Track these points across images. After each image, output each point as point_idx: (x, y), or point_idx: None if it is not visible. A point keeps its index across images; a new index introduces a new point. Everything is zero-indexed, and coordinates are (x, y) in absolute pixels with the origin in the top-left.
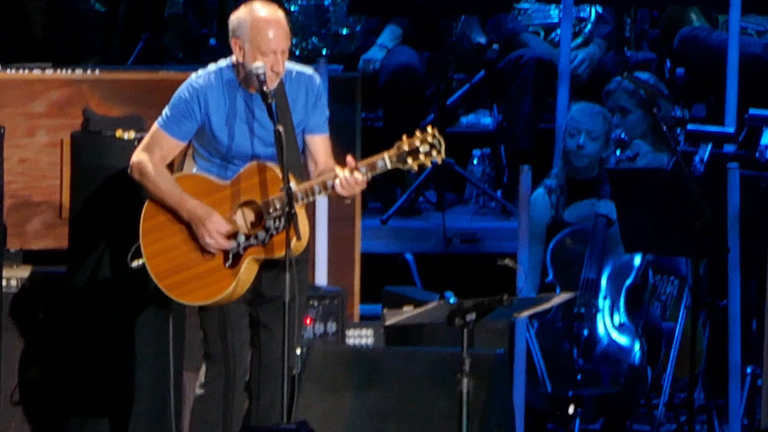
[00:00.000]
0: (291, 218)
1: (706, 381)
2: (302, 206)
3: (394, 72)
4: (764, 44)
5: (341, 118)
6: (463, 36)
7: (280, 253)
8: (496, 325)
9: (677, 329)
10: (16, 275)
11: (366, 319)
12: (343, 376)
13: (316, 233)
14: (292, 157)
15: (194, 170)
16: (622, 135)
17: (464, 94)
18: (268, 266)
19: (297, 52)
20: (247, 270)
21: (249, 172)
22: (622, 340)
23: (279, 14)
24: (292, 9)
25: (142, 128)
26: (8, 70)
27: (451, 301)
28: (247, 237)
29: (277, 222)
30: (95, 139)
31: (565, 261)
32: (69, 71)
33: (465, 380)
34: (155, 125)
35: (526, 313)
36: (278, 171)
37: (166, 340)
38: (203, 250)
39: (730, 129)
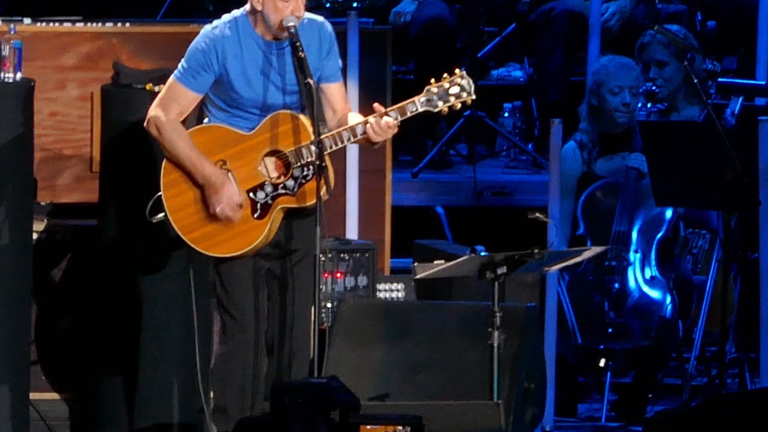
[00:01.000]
0: (321, 171)
1: (738, 334)
2: (327, 155)
3: (425, 24)
4: None
5: (372, 71)
6: None
7: (311, 201)
8: (527, 278)
9: (708, 282)
10: (47, 228)
11: (396, 273)
12: (373, 329)
13: (347, 186)
14: (317, 103)
15: (206, 121)
16: (653, 87)
17: (495, 46)
18: (286, 218)
19: (328, 5)
20: (276, 219)
21: (273, 122)
22: (653, 293)
23: None
24: None
25: None
26: (38, 23)
27: (482, 254)
28: (275, 186)
29: (305, 170)
30: (125, 92)
31: (596, 214)
32: (99, 24)
33: (496, 333)
34: (171, 78)
35: (556, 267)
36: (304, 120)
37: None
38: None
39: (762, 81)
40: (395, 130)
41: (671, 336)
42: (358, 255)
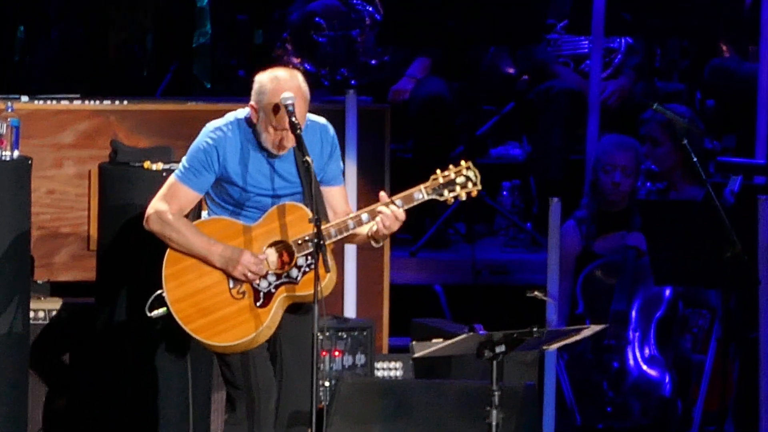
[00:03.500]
0: (319, 249)
1: (737, 414)
2: (330, 245)
3: (424, 102)
4: None
5: (371, 149)
6: (493, 66)
7: (312, 290)
8: (526, 357)
9: (707, 361)
10: (44, 307)
11: (395, 351)
12: (371, 408)
13: (345, 265)
14: (319, 200)
15: (204, 214)
16: (652, 166)
17: (494, 124)
18: (289, 308)
19: (326, 83)
20: (279, 308)
21: (276, 213)
22: (653, 372)
23: (302, 89)
24: (320, 40)
25: (170, 159)
26: (35, 101)
27: (481, 332)
28: (278, 276)
29: (308, 259)
30: (123, 170)
31: (595, 293)
32: (97, 102)
33: (494, 413)
34: (172, 177)
35: (555, 345)
36: (307, 209)
37: (193, 375)
38: (232, 292)
39: (761, 160)
40: (402, 219)
41: (670, 415)
42: (356, 333)
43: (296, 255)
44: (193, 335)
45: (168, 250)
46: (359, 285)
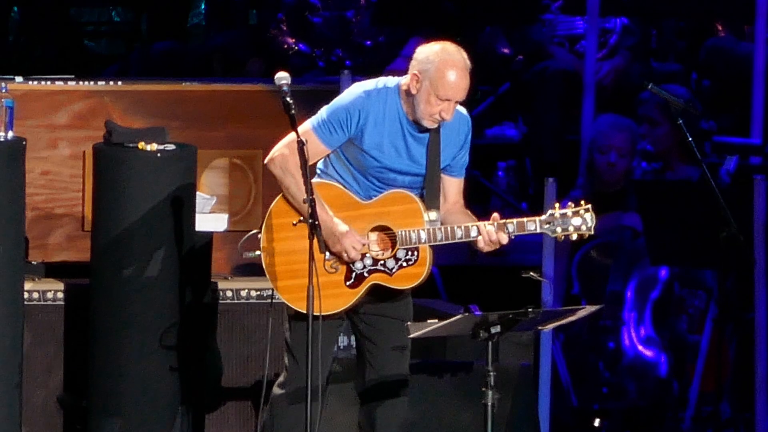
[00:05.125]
0: (315, 229)
1: (733, 394)
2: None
3: None
4: None
5: None
6: (488, 47)
7: (404, 285)
8: (521, 337)
9: (703, 342)
10: (39, 288)
11: None
12: None
13: None
14: (432, 189)
15: (320, 167)
16: (648, 146)
17: (489, 105)
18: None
19: (321, 64)
20: (366, 293)
21: (390, 199)
22: (648, 353)
23: (468, 65)
24: (315, 21)
25: (164, 140)
26: (30, 82)
27: (476, 313)
28: (375, 261)
29: (409, 254)
30: (118, 151)
31: (590, 273)
32: (91, 83)
33: (490, 393)
34: (308, 125)
35: (551, 326)
36: (420, 205)
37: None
38: (326, 263)
39: (757, 140)
40: (502, 244)
41: (666, 396)
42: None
43: (398, 246)
44: (277, 293)
45: (276, 201)
46: None
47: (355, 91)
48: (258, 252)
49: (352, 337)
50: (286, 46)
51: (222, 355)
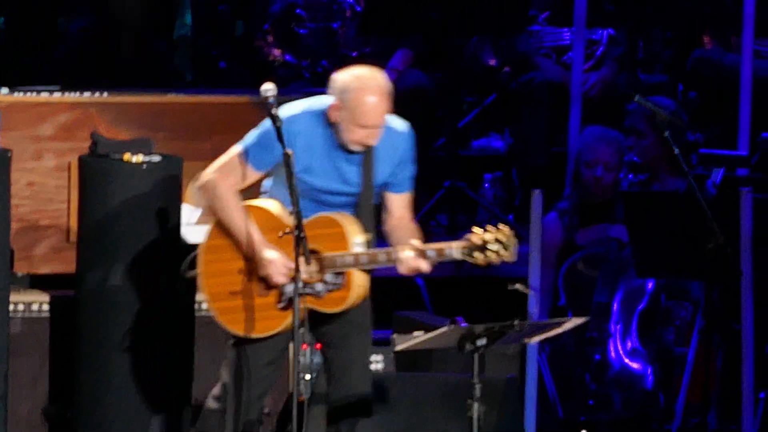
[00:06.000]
0: (301, 241)
1: (719, 406)
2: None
3: (405, 94)
4: None
5: None
6: (475, 58)
7: (332, 309)
8: (508, 349)
9: (690, 353)
10: (23, 299)
11: (376, 344)
12: None
13: None
14: (366, 210)
15: (272, 190)
16: (635, 158)
17: (475, 116)
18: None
19: (307, 75)
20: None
21: (318, 222)
22: (635, 365)
23: (384, 87)
24: (301, 32)
25: (150, 151)
26: (15, 93)
27: (462, 325)
28: (305, 285)
29: (337, 277)
30: (103, 162)
31: (577, 285)
32: (77, 94)
33: (476, 405)
34: (237, 149)
35: (537, 338)
36: (348, 228)
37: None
38: (260, 285)
39: (743, 152)
40: (424, 270)
41: (653, 408)
42: None
43: (326, 269)
44: (215, 313)
45: (214, 223)
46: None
47: (283, 114)
48: (196, 271)
49: None
50: (272, 57)
51: (207, 365)
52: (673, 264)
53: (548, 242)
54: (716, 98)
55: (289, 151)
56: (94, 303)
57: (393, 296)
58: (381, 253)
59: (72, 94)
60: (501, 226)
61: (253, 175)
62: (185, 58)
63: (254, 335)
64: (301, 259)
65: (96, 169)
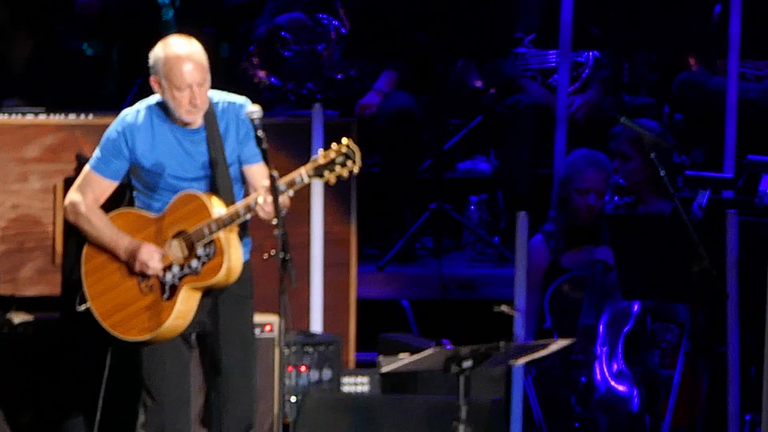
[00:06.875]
0: (285, 264)
1: (705, 428)
2: (233, 230)
3: (391, 116)
4: (762, 89)
5: None
6: (460, 80)
7: (213, 279)
8: (493, 371)
9: (675, 376)
10: (9, 321)
11: (362, 366)
12: (338, 423)
13: (312, 279)
14: (224, 185)
15: (135, 201)
16: (621, 180)
17: (461, 138)
18: (209, 300)
19: (292, 97)
20: (185, 300)
21: (177, 203)
22: (621, 387)
23: (193, 48)
24: (286, 54)
25: None
26: (1, 115)
27: (448, 347)
28: (181, 267)
29: (207, 248)
30: None
31: (563, 307)
32: (62, 116)
33: (461, 428)
34: (86, 167)
35: (523, 360)
36: (205, 198)
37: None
38: (141, 286)
39: (729, 174)
40: (287, 205)
41: (638, 430)
42: (322, 348)
43: (195, 245)
44: (110, 331)
45: (85, 247)
46: (326, 299)
47: (117, 119)
48: (86, 304)
49: (324, 371)
50: (257, 80)
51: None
52: (659, 286)
53: (534, 264)
54: (702, 120)
55: (275, 171)
56: (79, 325)
57: (378, 318)
58: (240, 207)
59: (57, 116)
60: (344, 139)
61: (109, 186)
62: None
63: (153, 333)
64: (173, 244)
65: None
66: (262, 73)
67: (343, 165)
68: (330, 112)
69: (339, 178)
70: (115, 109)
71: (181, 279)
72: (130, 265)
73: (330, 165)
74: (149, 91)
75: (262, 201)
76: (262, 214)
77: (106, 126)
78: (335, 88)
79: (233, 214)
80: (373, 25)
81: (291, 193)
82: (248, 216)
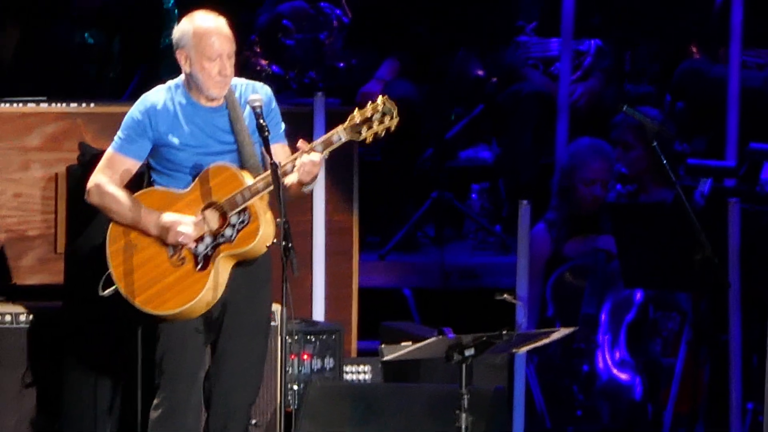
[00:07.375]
0: (288, 253)
1: (707, 417)
2: (264, 198)
3: None
4: (764, 77)
5: (339, 151)
6: (462, 69)
7: (249, 245)
8: (495, 360)
9: (677, 365)
10: (10, 311)
11: (364, 355)
12: (340, 412)
13: (314, 268)
14: (250, 158)
15: (154, 184)
16: (623, 169)
17: (463, 127)
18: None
19: (294, 86)
20: (220, 269)
21: (205, 177)
22: (623, 375)
23: (220, 20)
24: (288, 43)
25: None
26: (2, 104)
27: (450, 336)
28: (214, 237)
29: (241, 215)
30: (90, 172)
31: (565, 296)
32: (64, 105)
33: (463, 416)
34: (109, 149)
35: (525, 349)
36: (234, 169)
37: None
38: (172, 260)
39: (731, 163)
40: (320, 165)
41: (640, 419)
42: (324, 337)
43: (229, 214)
44: (142, 308)
45: (110, 228)
46: (328, 288)
47: (140, 99)
48: (113, 287)
49: (326, 359)
50: (259, 68)
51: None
52: (661, 275)
53: (536, 253)
54: (703, 109)
55: (277, 161)
56: (81, 314)
57: (380, 307)
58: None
59: (59, 104)
60: (379, 97)
61: (133, 165)
62: (172, 68)
63: (186, 305)
64: (207, 214)
65: (84, 179)
66: (264, 62)
67: (381, 122)
68: (332, 100)
69: (376, 135)
70: (117, 99)
71: (214, 249)
72: (162, 239)
73: (367, 122)
74: (151, 80)
75: (305, 160)
76: (302, 175)
77: (108, 114)
78: (337, 77)
79: (267, 181)
80: (375, 14)
81: (326, 154)
82: (283, 179)
